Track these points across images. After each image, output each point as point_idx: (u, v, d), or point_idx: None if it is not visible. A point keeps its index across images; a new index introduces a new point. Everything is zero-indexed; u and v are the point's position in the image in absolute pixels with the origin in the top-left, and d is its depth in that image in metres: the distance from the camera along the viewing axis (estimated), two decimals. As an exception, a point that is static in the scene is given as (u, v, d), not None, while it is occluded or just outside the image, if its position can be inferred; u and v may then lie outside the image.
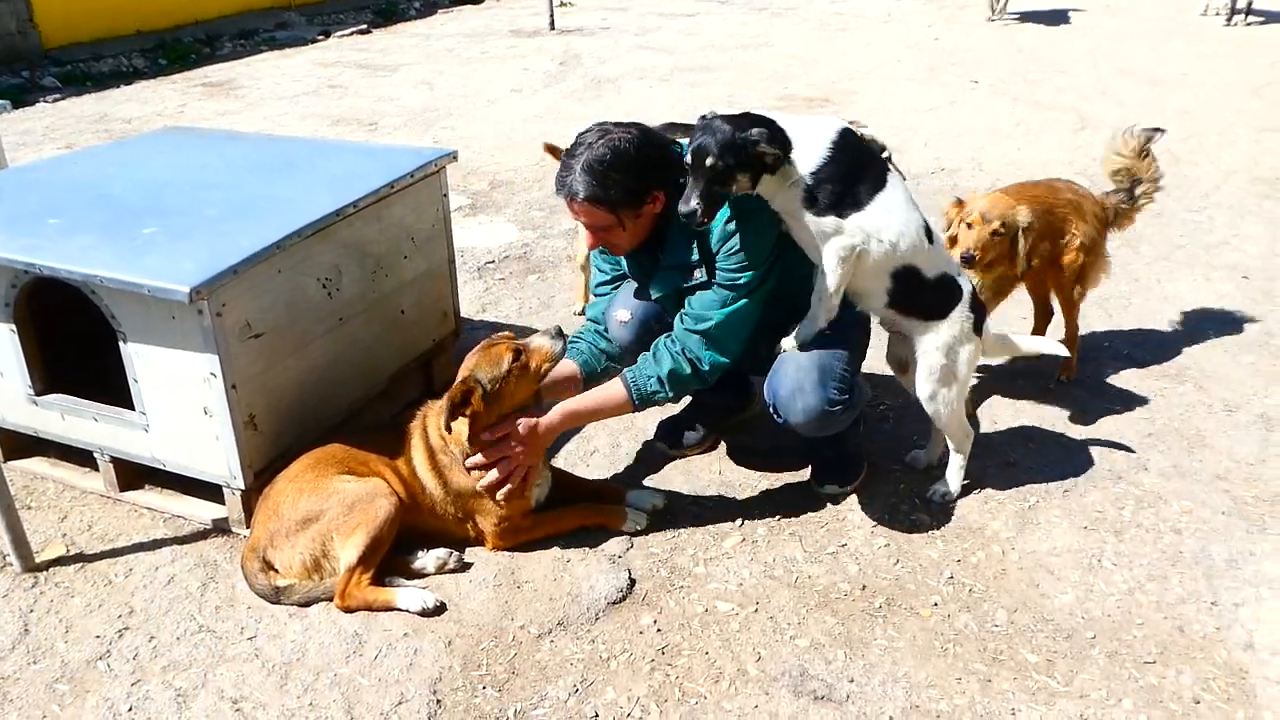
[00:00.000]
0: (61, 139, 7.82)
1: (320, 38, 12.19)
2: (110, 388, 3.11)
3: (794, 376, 2.92)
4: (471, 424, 2.91)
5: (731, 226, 2.88)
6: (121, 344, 2.93)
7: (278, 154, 3.83)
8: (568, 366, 3.16)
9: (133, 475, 3.27)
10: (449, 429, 2.91)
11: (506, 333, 3.10)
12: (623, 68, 9.91)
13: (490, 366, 2.91)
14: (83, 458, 3.33)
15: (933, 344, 3.04)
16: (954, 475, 3.28)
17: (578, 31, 11.95)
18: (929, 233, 2.93)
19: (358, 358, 3.39)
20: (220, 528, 3.14)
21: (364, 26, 12.75)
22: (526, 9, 13.73)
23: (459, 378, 2.92)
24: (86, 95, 9.40)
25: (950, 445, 3.27)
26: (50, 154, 7.28)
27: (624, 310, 3.20)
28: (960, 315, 3.02)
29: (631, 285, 3.28)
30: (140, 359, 2.93)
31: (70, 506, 3.29)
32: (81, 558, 3.06)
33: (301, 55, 11.18)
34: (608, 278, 3.35)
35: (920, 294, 2.96)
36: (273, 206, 3.20)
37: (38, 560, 3.01)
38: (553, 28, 12.01)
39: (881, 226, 2.82)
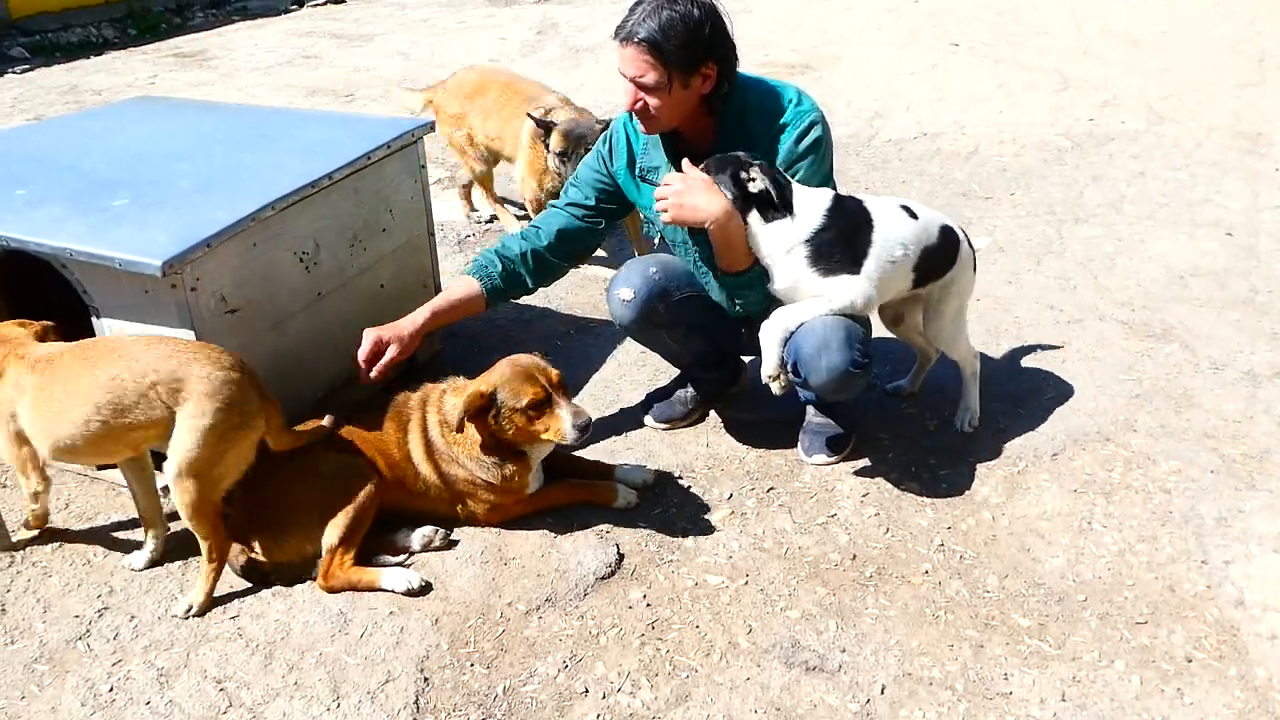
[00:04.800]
0: (30, 110, 7.66)
1: (294, 7, 11.96)
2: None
3: (820, 333, 2.87)
4: (480, 430, 2.87)
5: (803, 145, 2.91)
6: (94, 319, 2.86)
7: (251, 124, 3.74)
8: (469, 286, 3.11)
9: (110, 455, 3.21)
10: (460, 429, 2.85)
11: (545, 364, 2.86)
12: (601, 36, 9.76)
13: (513, 395, 2.77)
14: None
15: (949, 292, 3.16)
16: (973, 397, 3.40)
17: (555, 0, 11.78)
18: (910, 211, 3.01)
19: (337, 333, 3.32)
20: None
21: (339, -5, 12.52)
22: (502, -24, 13.53)
23: (483, 381, 2.83)
24: (56, 66, 9.21)
25: (963, 370, 3.37)
26: (19, 125, 7.13)
27: (627, 288, 3.14)
28: (966, 256, 3.13)
29: (638, 261, 3.21)
30: (114, 334, 2.86)
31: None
32: (59, 536, 3.00)
33: (275, 25, 10.97)
34: (584, 201, 3.23)
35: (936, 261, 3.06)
36: (247, 177, 3.12)
37: (14, 540, 2.96)
38: (529, -5, 11.83)
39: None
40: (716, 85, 2.87)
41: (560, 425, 2.77)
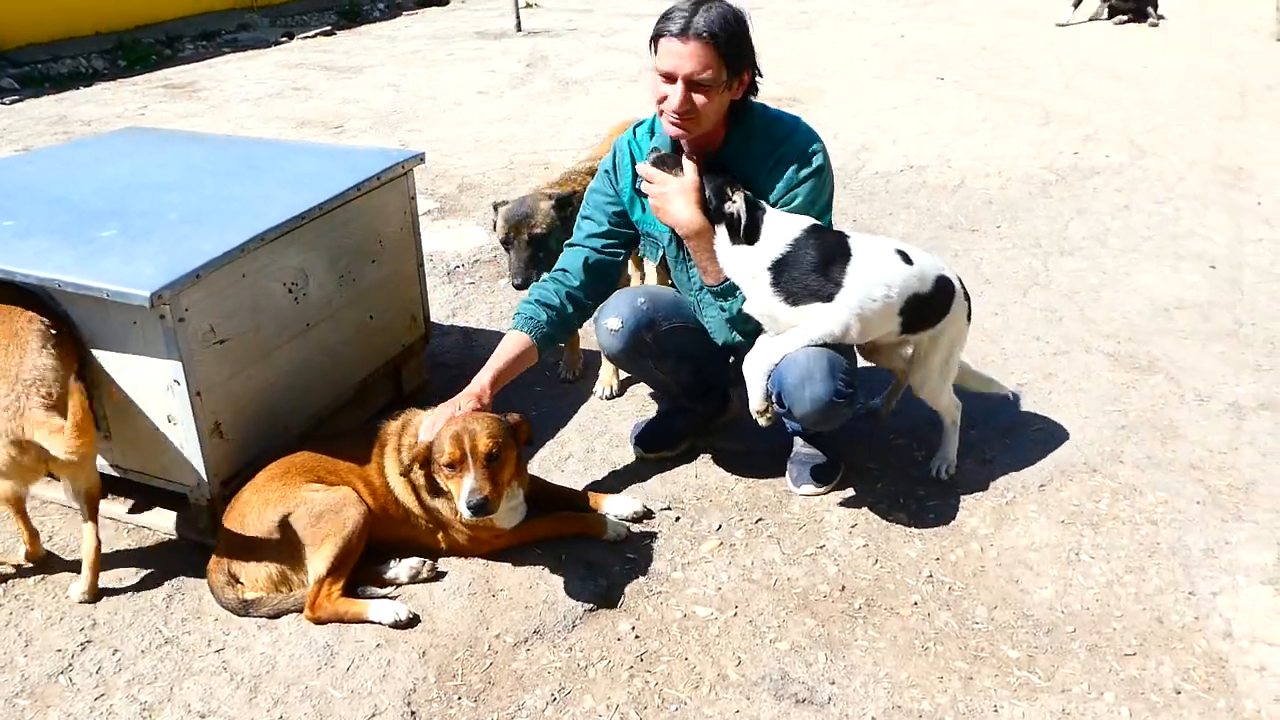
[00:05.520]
0: (19, 140, 7.66)
1: (284, 39, 12.03)
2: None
3: (803, 364, 2.87)
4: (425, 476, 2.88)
5: (805, 172, 2.95)
6: (82, 351, 2.85)
7: (240, 155, 3.74)
8: (521, 341, 3.06)
9: (94, 486, 3.19)
10: (406, 474, 2.87)
11: (486, 432, 2.75)
12: (590, 69, 9.86)
13: (439, 450, 2.74)
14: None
15: (937, 344, 3.13)
16: (951, 446, 3.36)
17: (544, 33, 11.88)
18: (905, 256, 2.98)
19: (325, 364, 3.32)
20: (185, 538, 3.06)
21: (328, 28, 12.60)
22: (492, 10, 13.63)
23: (433, 432, 2.79)
24: (45, 96, 9.23)
25: (944, 419, 3.34)
26: (7, 156, 7.13)
27: (615, 318, 3.13)
28: (959, 307, 3.10)
29: (626, 292, 3.21)
30: (101, 365, 2.85)
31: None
32: (42, 570, 2.97)
33: (265, 57, 11.03)
34: (600, 229, 3.20)
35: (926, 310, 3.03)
36: (236, 209, 3.12)
37: (-3, 573, 2.94)
38: (519, 29, 11.93)
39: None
40: (744, 94, 2.91)
41: (460, 493, 2.71)
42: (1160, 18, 11.15)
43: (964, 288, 3.17)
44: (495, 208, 3.76)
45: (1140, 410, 3.71)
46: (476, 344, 4.40)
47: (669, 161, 2.95)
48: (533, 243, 3.58)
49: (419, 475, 2.86)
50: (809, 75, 9.30)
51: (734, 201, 2.85)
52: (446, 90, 9.16)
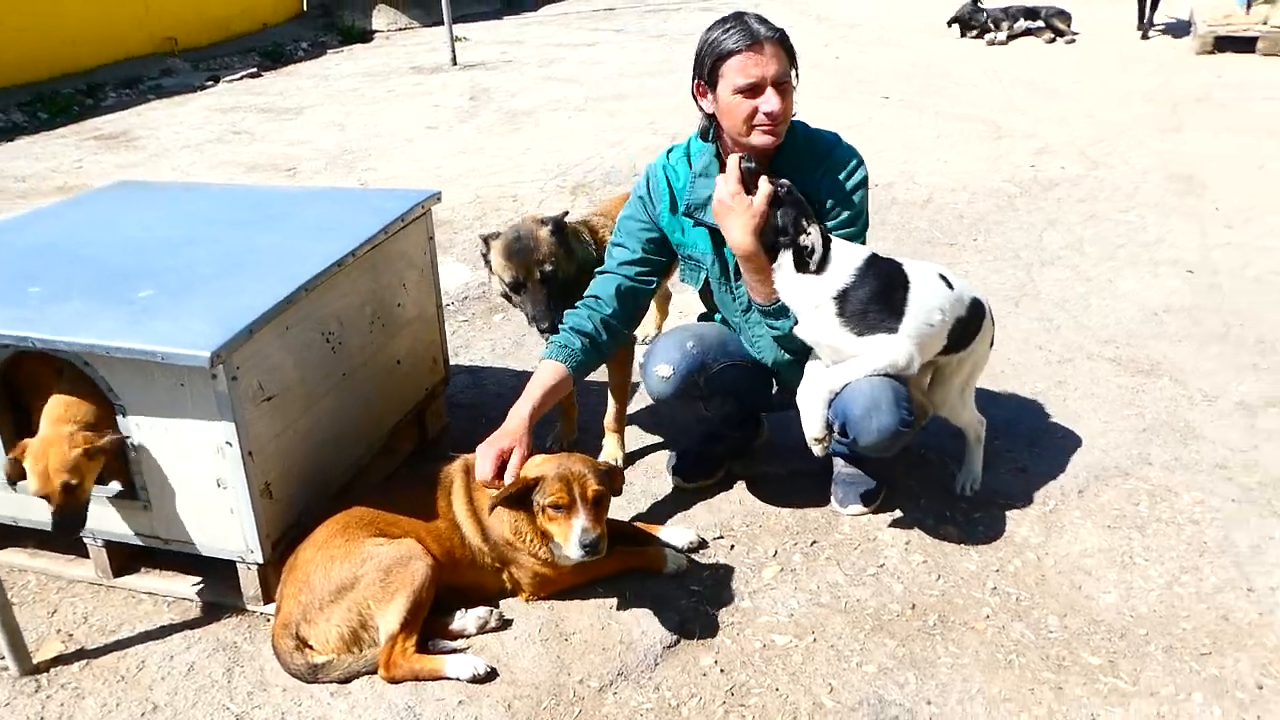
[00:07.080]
0: (-47, 201, 7.32)
1: (210, 83, 11.76)
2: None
3: (869, 395, 2.86)
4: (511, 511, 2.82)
5: (852, 182, 3.02)
6: (120, 418, 2.72)
7: (252, 204, 3.63)
8: (556, 370, 2.98)
9: (126, 558, 3.04)
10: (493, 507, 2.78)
11: (595, 478, 2.74)
12: (535, 100, 9.85)
13: (543, 491, 2.70)
14: (65, 544, 3.07)
15: (964, 364, 3.17)
16: (977, 461, 3.41)
17: (480, 66, 11.83)
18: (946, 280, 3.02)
19: (361, 412, 3.23)
20: (233, 607, 2.93)
21: (254, 70, 12.36)
22: (421, 45, 13.56)
23: (534, 468, 2.75)
24: (-32, 153, 8.86)
25: (968, 434, 3.38)
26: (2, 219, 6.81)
27: (665, 365, 3.11)
28: (987, 329, 3.15)
29: (673, 336, 3.20)
30: (142, 432, 2.72)
31: (59, 599, 3.02)
32: (84, 654, 2.81)
33: (194, 102, 10.76)
34: (633, 257, 3.15)
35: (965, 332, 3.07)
36: (267, 260, 3.02)
37: (35, 662, 2.75)
38: (455, 63, 11.87)
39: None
40: None
41: (569, 534, 2.68)
42: (1075, 34, 11.61)
43: (990, 311, 3.21)
44: (486, 241, 3.35)
45: (1155, 413, 3.81)
46: (486, 381, 4.33)
47: (750, 177, 2.86)
48: (545, 280, 3.27)
49: (503, 512, 2.79)
50: (754, 100, 9.39)
51: (809, 234, 2.83)
52: (394, 127, 9.06)
